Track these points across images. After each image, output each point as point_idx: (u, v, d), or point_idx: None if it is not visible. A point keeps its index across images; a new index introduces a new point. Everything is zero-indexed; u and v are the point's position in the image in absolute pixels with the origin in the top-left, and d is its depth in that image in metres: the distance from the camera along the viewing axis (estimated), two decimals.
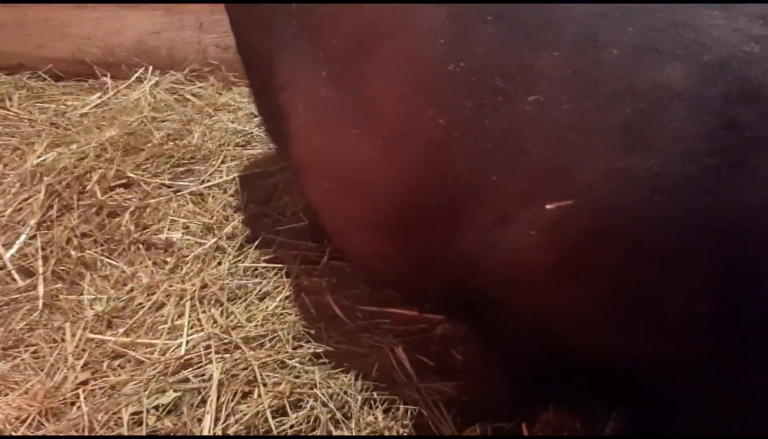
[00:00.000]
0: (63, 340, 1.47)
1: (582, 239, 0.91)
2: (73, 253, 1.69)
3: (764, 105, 0.80)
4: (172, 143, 2.10)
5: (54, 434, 1.24)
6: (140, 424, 1.27)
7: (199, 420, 1.27)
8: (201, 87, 2.50)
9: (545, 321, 1.03)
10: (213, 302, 1.57)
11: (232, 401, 1.31)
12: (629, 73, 0.86)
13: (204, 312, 1.53)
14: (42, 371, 1.39)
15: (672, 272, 0.87)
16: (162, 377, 1.35)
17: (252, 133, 2.19)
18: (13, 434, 1.23)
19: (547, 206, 0.91)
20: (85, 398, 1.32)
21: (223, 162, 2.03)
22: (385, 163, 1.11)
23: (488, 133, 0.95)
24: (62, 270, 1.65)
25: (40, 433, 1.25)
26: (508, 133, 0.94)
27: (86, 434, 1.23)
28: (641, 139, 0.84)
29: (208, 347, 1.42)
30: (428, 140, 1.03)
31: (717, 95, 0.81)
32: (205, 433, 1.23)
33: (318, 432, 1.26)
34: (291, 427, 1.28)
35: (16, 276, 1.64)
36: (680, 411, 1.00)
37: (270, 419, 1.28)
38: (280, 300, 1.56)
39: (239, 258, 1.70)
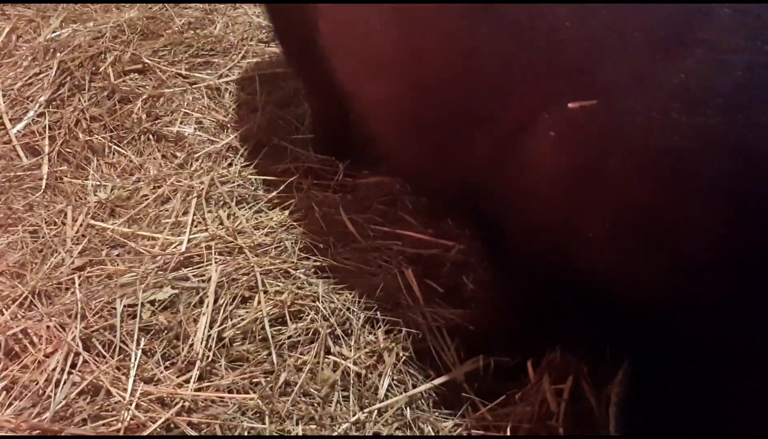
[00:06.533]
0: (63, 223, 1.43)
1: (596, 146, 0.85)
2: (81, 136, 1.63)
3: None
4: (192, 32, 2.00)
5: (46, 313, 1.21)
6: (134, 317, 1.24)
7: (195, 320, 1.24)
8: None
9: (553, 236, 0.96)
10: (220, 203, 1.51)
11: (231, 304, 1.27)
12: None
13: (210, 212, 1.47)
14: (39, 252, 1.36)
15: (688, 195, 0.78)
16: (160, 272, 1.31)
17: None
18: (4, 311, 1.20)
19: (570, 105, 0.84)
20: (80, 284, 1.28)
21: (243, 57, 1.93)
22: (409, 45, 1.03)
23: (521, 18, 0.88)
24: (68, 152, 1.59)
25: (31, 312, 1.22)
26: (542, 21, 0.86)
27: (78, 320, 1.20)
28: (680, 40, 0.76)
29: (210, 247, 1.37)
30: (455, 21, 0.95)
31: None
32: (200, 335, 1.20)
33: (316, 346, 1.22)
34: (289, 338, 1.24)
35: (21, 153, 1.59)
36: (689, 359, 0.93)
37: (267, 326, 1.24)
38: (290, 210, 1.50)
39: (252, 161, 1.62)
